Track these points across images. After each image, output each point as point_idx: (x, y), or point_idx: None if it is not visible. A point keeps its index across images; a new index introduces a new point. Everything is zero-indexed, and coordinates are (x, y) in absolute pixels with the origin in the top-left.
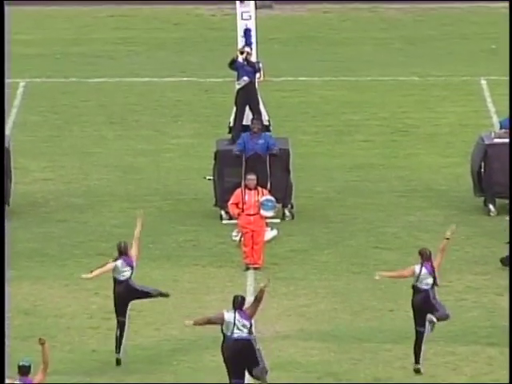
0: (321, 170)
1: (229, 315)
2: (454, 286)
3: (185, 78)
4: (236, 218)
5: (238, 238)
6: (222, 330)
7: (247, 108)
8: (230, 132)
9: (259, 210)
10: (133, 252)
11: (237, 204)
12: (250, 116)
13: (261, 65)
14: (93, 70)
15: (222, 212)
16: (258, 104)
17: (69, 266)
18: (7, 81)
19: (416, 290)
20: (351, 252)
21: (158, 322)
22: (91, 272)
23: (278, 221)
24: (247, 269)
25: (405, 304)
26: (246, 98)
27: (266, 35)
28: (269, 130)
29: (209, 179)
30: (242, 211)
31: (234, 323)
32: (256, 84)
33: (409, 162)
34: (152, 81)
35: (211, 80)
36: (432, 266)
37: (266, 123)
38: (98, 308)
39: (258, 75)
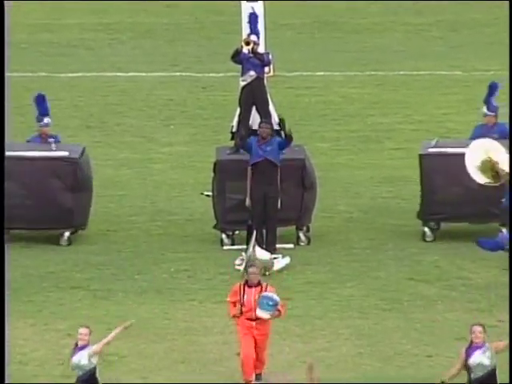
0: (343, 185)
1: None
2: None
3: (178, 73)
4: (235, 321)
5: (242, 268)
6: None
7: (254, 109)
8: (232, 138)
9: None
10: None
11: (235, 303)
12: (258, 119)
13: (270, 57)
14: (66, 63)
15: (223, 236)
16: (267, 104)
17: (36, 302)
18: None
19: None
20: (380, 285)
21: (146, 368)
22: None
23: (291, 246)
24: None
25: (446, 348)
26: (253, 96)
27: (276, 20)
28: (280, 136)
29: (207, 195)
30: (241, 313)
31: None
32: (264, 80)
33: None
34: (138, 76)
35: (210, 75)
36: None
37: (276, 127)
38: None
39: (266, 69)
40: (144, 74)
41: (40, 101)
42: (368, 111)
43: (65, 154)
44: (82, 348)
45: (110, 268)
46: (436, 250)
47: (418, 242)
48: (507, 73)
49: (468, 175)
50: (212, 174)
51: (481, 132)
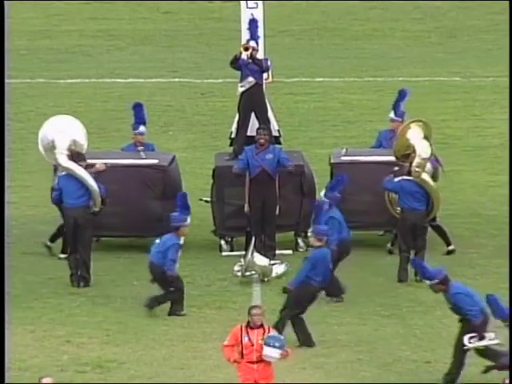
0: None
1: None
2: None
3: (176, 79)
4: (236, 367)
5: (240, 274)
6: None
7: (252, 115)
8: (231, 144)
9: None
10: None
11: (233, 347)
12: (256, 125)
13: (269, 63)
14: (65, 69)
15: (222, 242)
16: (266, 110)
17: (35, 309)
18: None
19: None
20: (378, 291)
21: (145, 375)
22: None
23: (289, 252)
24: None
25: (444, 354)
26: (251, 103)
27: (275, 26)
28: (279, 143)
29: (206, 201)
30: (242, 357)
31: None
32: (263, 86)
33: (449, 181)
34: (137, 82)
35: (208, 81)
36: None
37: (275, 134)
38: (70, 359)
39: (265, 75)
40: (143, 80)
41: (138, 109)
42: (367, 117)
43: (154, 161)
44: None
45: (108, 274)
46: (434, 255)
47: None
48: (507, 79)
49: (378, 184)
50: (211, 181)
51: (386, 137)
